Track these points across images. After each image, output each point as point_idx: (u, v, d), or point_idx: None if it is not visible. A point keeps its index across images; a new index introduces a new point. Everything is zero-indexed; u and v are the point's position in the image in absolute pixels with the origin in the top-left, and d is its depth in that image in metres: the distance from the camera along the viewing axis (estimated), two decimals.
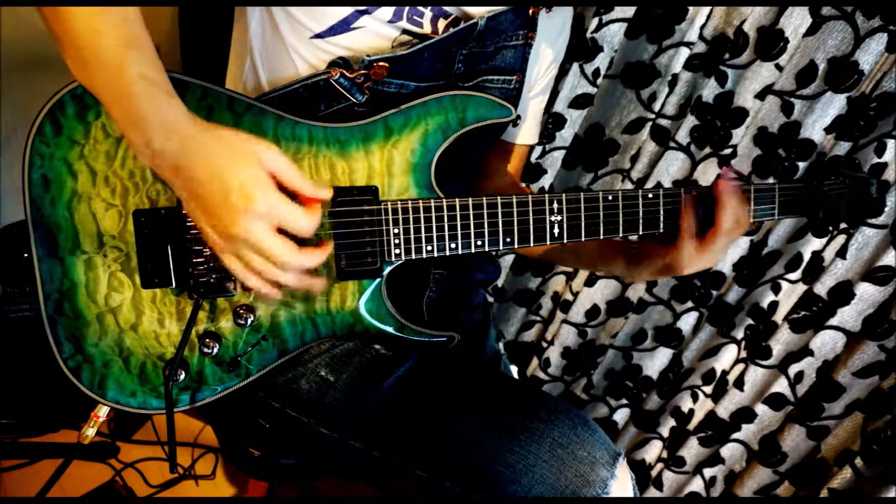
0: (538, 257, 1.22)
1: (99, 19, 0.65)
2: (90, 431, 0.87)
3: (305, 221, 0.69)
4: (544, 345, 1.72)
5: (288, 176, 0.69)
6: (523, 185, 1.26)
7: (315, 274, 0.78)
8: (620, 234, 0.91)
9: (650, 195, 0.90)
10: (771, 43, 1.20)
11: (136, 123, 0.67)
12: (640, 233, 0.91)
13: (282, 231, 0.69)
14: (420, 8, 0.85)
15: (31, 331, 0.81)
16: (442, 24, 0.87)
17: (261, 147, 0.68)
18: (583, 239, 0.90)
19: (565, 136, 1.43)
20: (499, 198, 0.87)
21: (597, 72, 1.34)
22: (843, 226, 1.27)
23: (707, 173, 1.37)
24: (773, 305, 1.41)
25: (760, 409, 1.46)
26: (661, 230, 0.92)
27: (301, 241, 0.71)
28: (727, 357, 1.51)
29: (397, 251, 0.86)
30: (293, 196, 0.70)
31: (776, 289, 1.40)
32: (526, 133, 1.14)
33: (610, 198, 0.90)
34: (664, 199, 0.91)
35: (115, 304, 0.80)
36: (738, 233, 0.91)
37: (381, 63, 0.83)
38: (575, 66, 1.34)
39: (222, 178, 0.65)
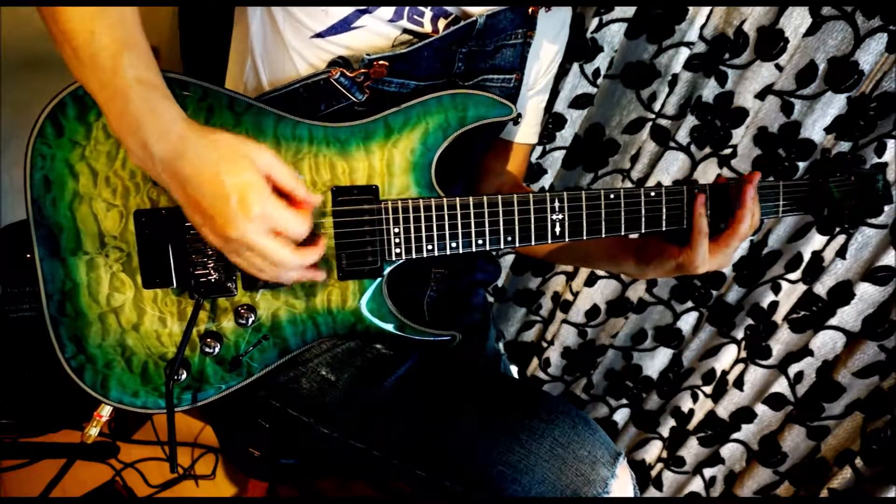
0: (543, 257, 1.22)
1: (96, 20, 0.65)
2: (93, 431, 0.87)
3: (298, 225, 0.70)
4: (544, 345, 1.72)
5: (282, 178, 0.70)
6: (525, 185, 1.26)
7: (316, 267, 0.79)
8: (623, 233, 0.91)
9: (652, 193, 0.90)
10: (771, 43, 1.20)
11: (132, 125, 0.67)
12: (643, 231, 0.91)
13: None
14: (420, 7, 0.85)
15: (31, 331, 0.81)
16: (442, 23, 0.87)
17: (255, 149, 0.68)
18: (584, 237, 0.90)
19: (565, 136, 1.43)
20: (499, 196, 0.87)
21: (597, 72, 1.34)
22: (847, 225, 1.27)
23: (707, 173, 1.37)
24: (773, 305, 1.41)
25: (760, 409, 1.46)
26: (664, 228, 0.92)
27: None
28: (727, 357, 1.51)
29: (398, 250, 0.86)
30: (287, 197, 0.71)
31: (776, 289, 1.40)
32: (526, 132, 1.14)
33: (612, 196, 0.90)
34: (667, 198, 0.91)
35: (117, 304, 0.80)
36: (749, 235, 0.92)
37: (380, 62, 0.83)
38: (575, 66, 1.34)
39: (218, 182, 0.66)
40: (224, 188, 0.65)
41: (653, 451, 1.70)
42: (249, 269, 0.73)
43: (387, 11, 0.83)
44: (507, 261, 1.67)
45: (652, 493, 1.71)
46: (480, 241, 0.87)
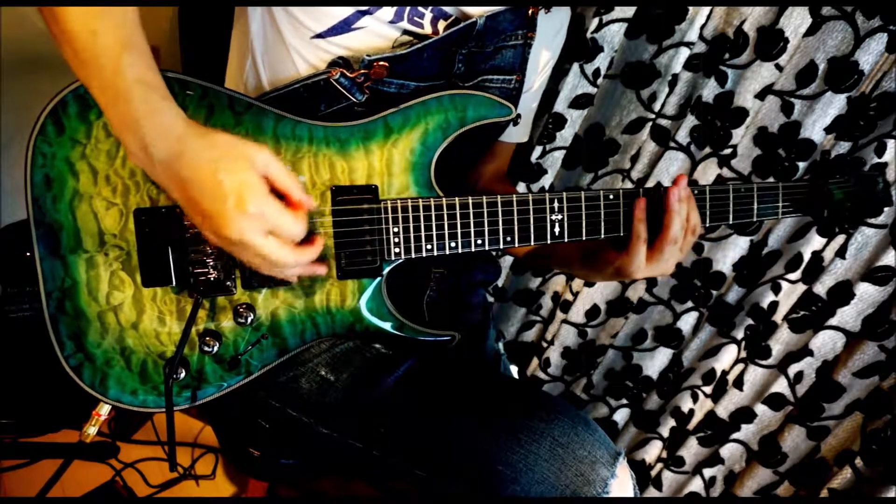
0: (520, 256, 1.23)
1: (97, 20, 0.65)
2: (92, 430, 0.87)
3: (294, 226, 0.71)
4: (544, 345, 1.72)
5: (280, 179, 0.70)
6: (508, 180, 1.26)
7: (317, 262, 0.80)
8: (622, 233, 0.91)
9: (611, 196, 0.90)
10: (771, 43, 1.20)
11: (132, 126, 0.67)
12: (602, 237, 0.91)
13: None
14: (420, 9, 0.85)
15: (31, 330, 0.81)
16: (442, 24, 0.87)
17: (253, 150, 0.68)
18: (584, 238, 0.90)
19: (565, 136, 1.43)
20: (499, 197, 0.87)
21: (597, 72, 1.34)
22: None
23: (707, 173, 1.37)
24: (773, 305, 1.41)
25: (760, 409, 1.46)
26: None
27: None
28: (727, 357, 1.51)
29: (397, 250, 0.86)
30: (284, 197, 0.71)
31: (776, 289, 1.40)
32: (517, 132, 1.15)
33: (611, 197, 0.90)
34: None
35: (116, 303, 0.80)
36: (689, 242, 0.90)
37: (381, 63, 0.83)
38: (575, 66, 1.34)
39: (216, 183, 0.66)
40: (222, 188, 0.66)
41: (653, 451, 1.70)
42: (252, 267, 0.74)
43: (387, 12, 0.84)
44: (507, 261, 1.67)
45: (652, 493, 1.71)
46: (480, 241, 0.88)
